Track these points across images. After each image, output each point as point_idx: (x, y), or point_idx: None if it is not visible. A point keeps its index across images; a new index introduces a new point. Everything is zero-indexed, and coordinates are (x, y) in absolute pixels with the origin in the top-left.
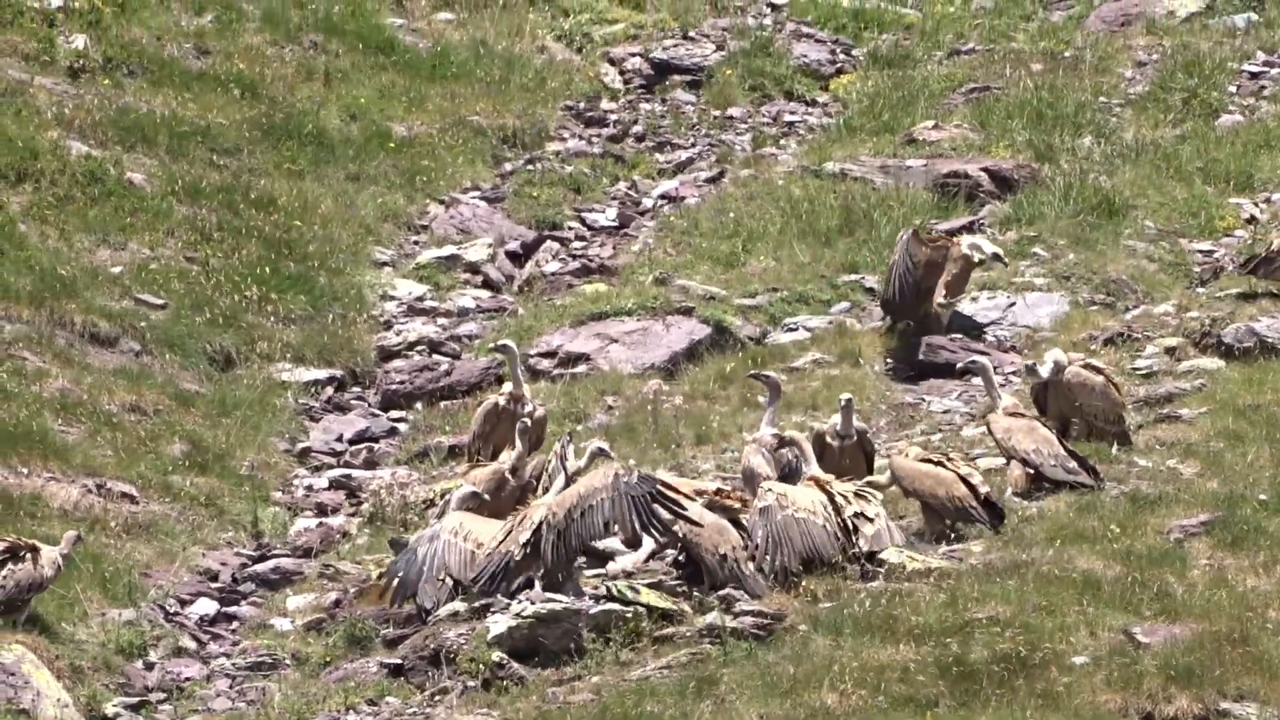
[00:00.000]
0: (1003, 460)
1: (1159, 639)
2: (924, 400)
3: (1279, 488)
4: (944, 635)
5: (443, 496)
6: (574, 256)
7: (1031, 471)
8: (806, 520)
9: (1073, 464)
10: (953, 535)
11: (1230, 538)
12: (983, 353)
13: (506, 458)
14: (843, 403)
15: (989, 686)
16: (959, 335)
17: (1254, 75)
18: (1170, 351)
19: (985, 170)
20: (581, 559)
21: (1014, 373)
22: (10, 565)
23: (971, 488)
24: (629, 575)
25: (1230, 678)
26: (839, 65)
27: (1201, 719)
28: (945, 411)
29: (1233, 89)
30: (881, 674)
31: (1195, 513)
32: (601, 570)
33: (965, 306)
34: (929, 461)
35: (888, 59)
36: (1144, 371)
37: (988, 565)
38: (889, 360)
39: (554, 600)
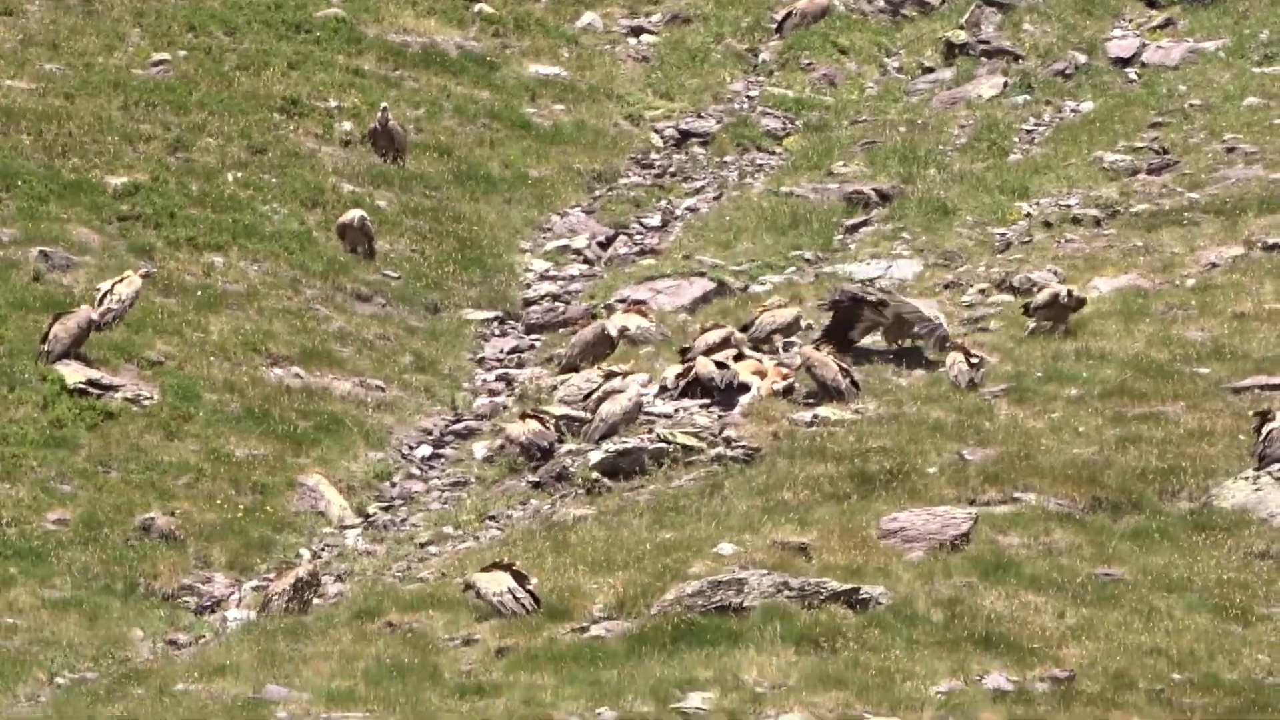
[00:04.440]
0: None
1: (978, 457)
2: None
3: (1046, 368)
4: (853, 457)
5: (561, 384)
6: (635, 244)
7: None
8: None
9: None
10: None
11: (1019, 397)
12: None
13: None
14: None
15: (879, 487)
16: (860, 283)
17: (1028, 131)
18: (982, 291)
19: (874, 189)
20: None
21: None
22: None
23: (845, 371)
24: (672, 426)
25: (1019, 478)
26: (788, 130)
27: (1002, 503)
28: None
29: (1016, 139)
30: (817, 481)
31: (999, 384)
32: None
33: (863, 268)
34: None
35: (816, 126)
36: (967, 304)
37: (878, 416)
38: (818, 300)
39: (625, 441)
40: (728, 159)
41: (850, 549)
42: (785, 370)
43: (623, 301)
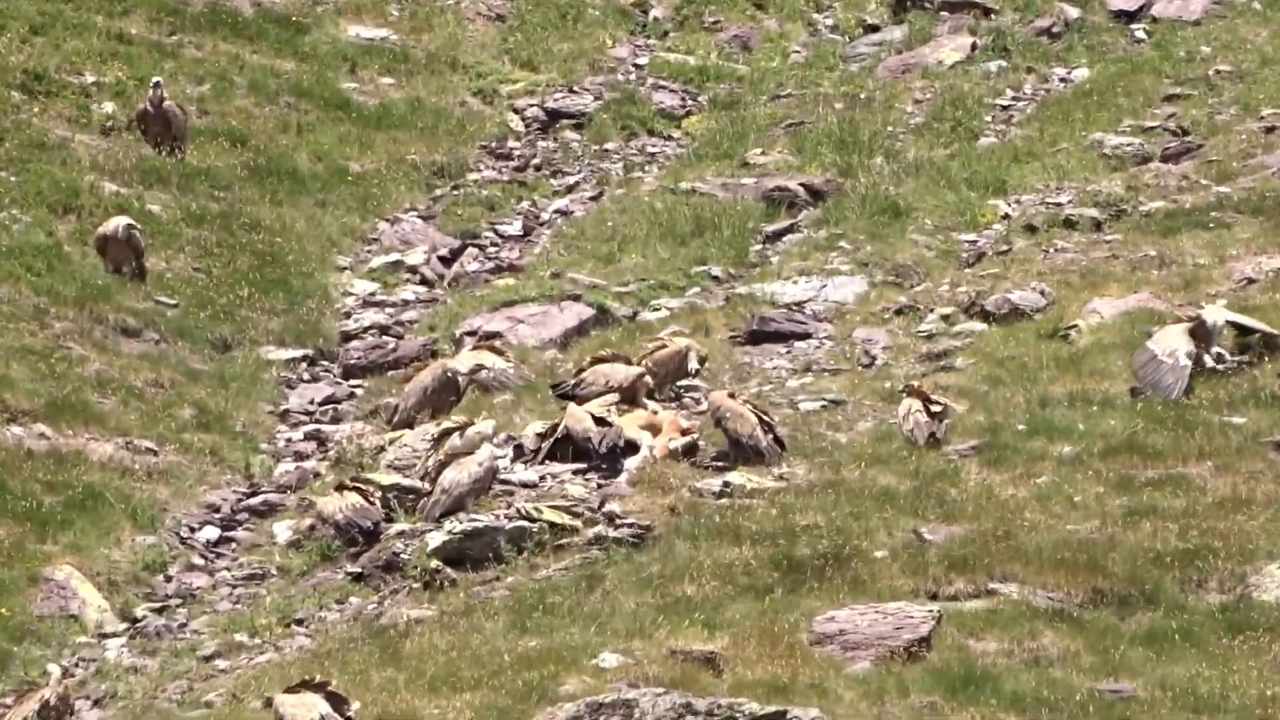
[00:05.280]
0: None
1: (940, 536)
2: (758, 360)
3: (1030, 419)
4: (777, 538)
5: (391, 444)
6: (490, 259)
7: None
8: None
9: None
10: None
11: (994, 458)
12: (803, 322)
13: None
14: None
15: (811, 576)
16: (785, 309)
17: (1005, 108)
18: (945, 318)
19: (802, 185)
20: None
21: (827, 337)
22: None
23: (767, 425)
24: (536, 498)
25: (996, 564)
26: (688, 109)
27: (974, 596)
28: (775, 368)
29: (989, 118)
30: (729, 569)
31: (967, 439)
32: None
33: (789, 288)
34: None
35: (725, 103)
36: (926, 333)
37: (810, 483)
38: (731, 330)
39: (475, 519)
40: (609, 147)
41: (773, 659)
42: (687, 424)
43: (472, 334)
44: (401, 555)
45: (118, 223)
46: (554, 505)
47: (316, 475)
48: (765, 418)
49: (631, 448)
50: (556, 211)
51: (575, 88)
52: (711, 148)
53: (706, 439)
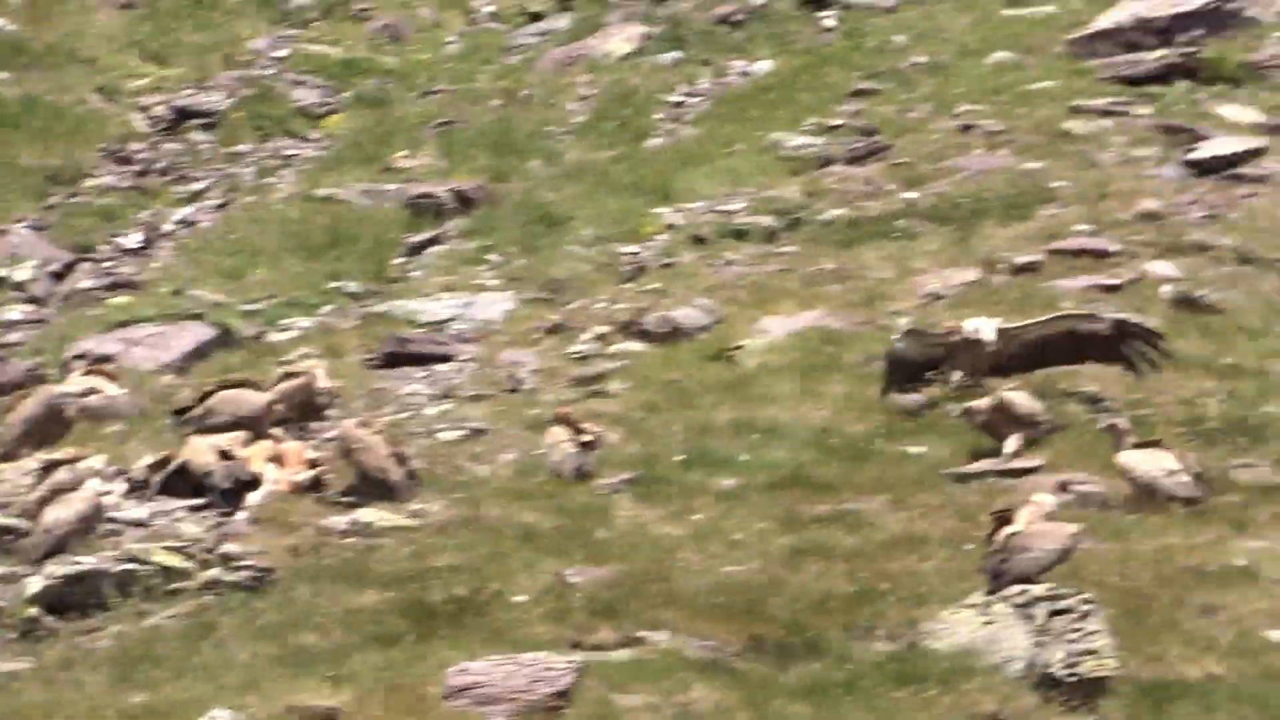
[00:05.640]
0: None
1: (587, 579)
2: (395, 385)
3: (690, 449)
4: (408, 581)
5: None
6: (106, 274)
7: None
8: None
9: None
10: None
11: (648, 492)
12: (444, 343)
13: None
14: None
15: (446, 624)
16: (426, 328)
17: (677, 104)
18: (601, 338)
19: (451, 191)
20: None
21: (471, 359)
22: None
23: (399, 457)
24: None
25: (646, 610)
26: (330, 107)
27: (621, 645)
28: (413, 394)
29: (659, 116)
30: (356, 616)
31: (620, 472)
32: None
33: (431, 305)
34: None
35: (372, 100)
36: (579, 355)
37: (446, 521)
38: (366, 352)
39: (78, 562)
40: (242, 149)
41: (401, 715)
42: (315, 455)
43: (82, 358)
44: None
45: None
46: (166, 546)
47: None
48: (399, 449)
49: (254, 482)
50: (180, 221)
51: (207, 84)
52: (354, 150)
53: (335, 472)
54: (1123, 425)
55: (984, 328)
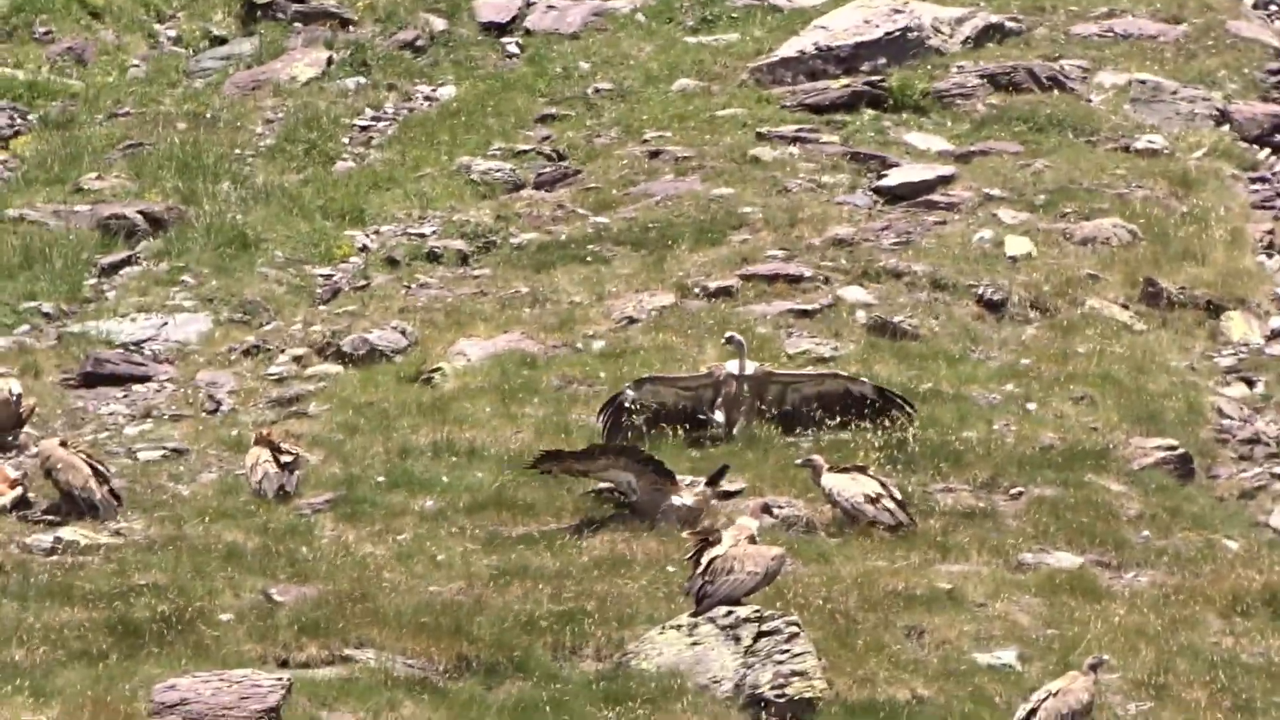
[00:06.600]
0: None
1: (291, 598)
2: (93, 405)
3: (390, 470)
4: (113, 599)
5: None
6: None
7: None
8: None
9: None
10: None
11: (351, 512)
12: (142, 364)
13: None
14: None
15: (151, 640)
16: (123, 349)
17: (364, 128)
18: (298, 359)
19: (141, 212)
20: None
21: (169, 380)
22: None
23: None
24: None
25: (352, 628)
26: (17, 129)
27: (328, 663)
28: (111, 414)
29: (346, 140)
30: (61, 632)
31: (322, 492)
32: None
33: (127, 326)
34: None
35: (58, 122)
36: (276, 377)
37: (149, 539)
38: (64, 372)
39: None
40: None
41: None
42: (15, 475)
43: None
44: None
45: None
46: None
47: None
48: (100, 468)
49: None
50: None
51: None
52: (43, 171)
53: (37, 491)
54: (819, 462)
55: (747, 367)
